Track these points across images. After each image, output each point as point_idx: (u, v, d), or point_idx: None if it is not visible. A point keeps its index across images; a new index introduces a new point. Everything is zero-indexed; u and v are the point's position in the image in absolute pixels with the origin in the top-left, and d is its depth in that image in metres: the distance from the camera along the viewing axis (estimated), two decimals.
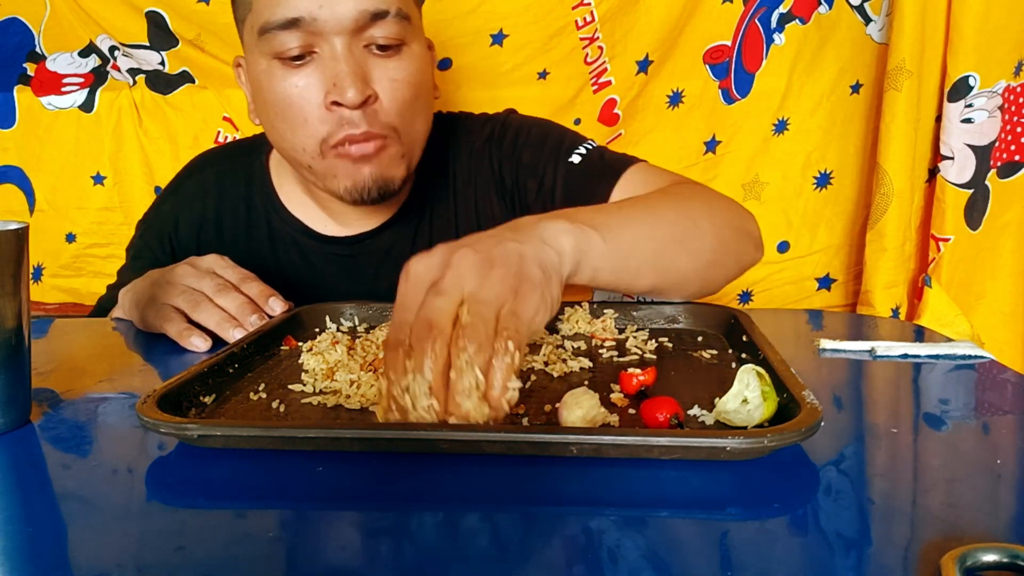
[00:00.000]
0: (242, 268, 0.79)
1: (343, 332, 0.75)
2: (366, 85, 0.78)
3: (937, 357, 0.67)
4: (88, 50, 1.30)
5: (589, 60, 1.25)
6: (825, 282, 1.33)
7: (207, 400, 0.55)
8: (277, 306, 0.76)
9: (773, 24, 1.25)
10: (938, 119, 1.18)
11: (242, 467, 0.47)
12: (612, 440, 0.44)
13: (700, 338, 0.72)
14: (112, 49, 1.28)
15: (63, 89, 1.33)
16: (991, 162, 1.16)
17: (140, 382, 0.66)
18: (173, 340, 0.74)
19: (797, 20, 1.24)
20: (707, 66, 1.27)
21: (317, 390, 0.58)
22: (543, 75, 1.26)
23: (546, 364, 0.63)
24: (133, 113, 1.33)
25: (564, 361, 0.64)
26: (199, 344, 0.73)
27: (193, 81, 1.30)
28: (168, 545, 0.38)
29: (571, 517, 0.41)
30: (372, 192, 0.83)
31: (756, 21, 1.25)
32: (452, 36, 1.23)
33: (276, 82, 0.79)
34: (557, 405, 0.51)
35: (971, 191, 1.17)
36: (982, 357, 0.67)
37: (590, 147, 0.91)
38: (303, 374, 0.61)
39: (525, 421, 0.52)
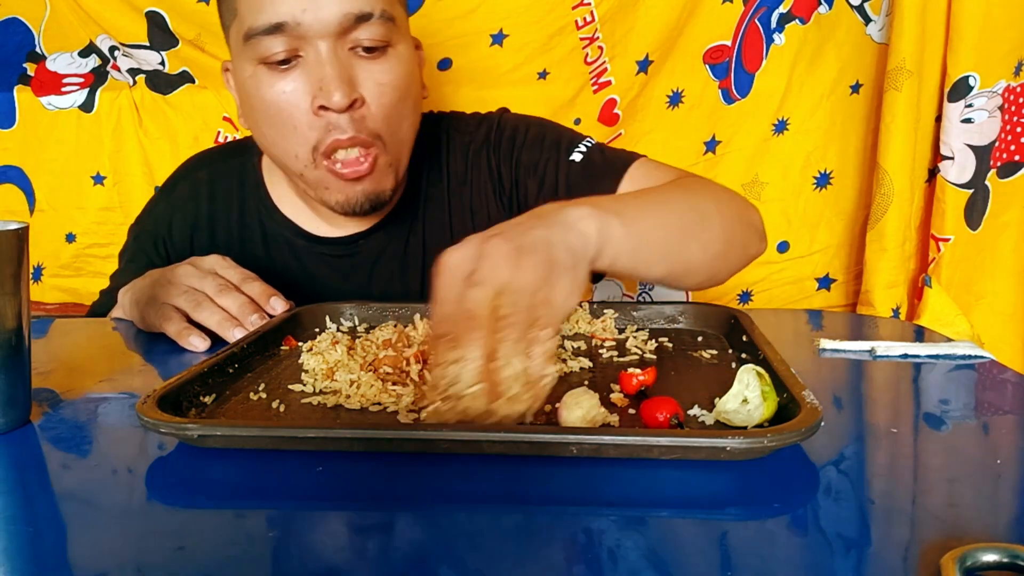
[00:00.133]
0: (243, 268, 0.79)
1: (343, 332, 0.75)
2: (352, 88, 0.78)
3: (937, 357, 0.67)
4: (88, 50, 1.30)
5: (589, 60, 1.25)
6: (825, 282, 1.33)
7: (207, 400, 0.55)
8: (278, 305, 0.76)
9: (773, 24, 1.25)
10: (938, 119, 1.18)
11: (242, 467, 0.47)
12: (612, 440, 0.44)
13: (700, 338, 0.72)
14: (112, 49, 1.28)
15: (63, 89, 1.33)
16: (991, 162, 1.16)
17: (140, 382, 0.66)
18: (173, 340, 0.74)
19: (797, 20, 1.24)
20: (707, 66, 1.27)
21: (317, 390, 0.58)
22: (543, 75, 1.26)
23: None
24: (133, 113, 1.33)
25: (564, 361, 0.64)
26: (198, 344, 0.73)
27: (193, 81, 1.30)
28: (168, 545, 0.38)
29: (571, 517, 0.41)
30: (364, 207, 0.83)
31: (756, 21, 1.25)
32: (452, 36, 1.23)
33: (263, 87, 0.79)
34: (557, 405, 0.51)
35: (971, 191, 1.17)
36: (982, 357, 0.67)
37: (589, 144, 0.91)
38: (303, 374, 0.61)
39: (530, 417, 0.52)
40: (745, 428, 0.48)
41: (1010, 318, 1.22)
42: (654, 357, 0.66)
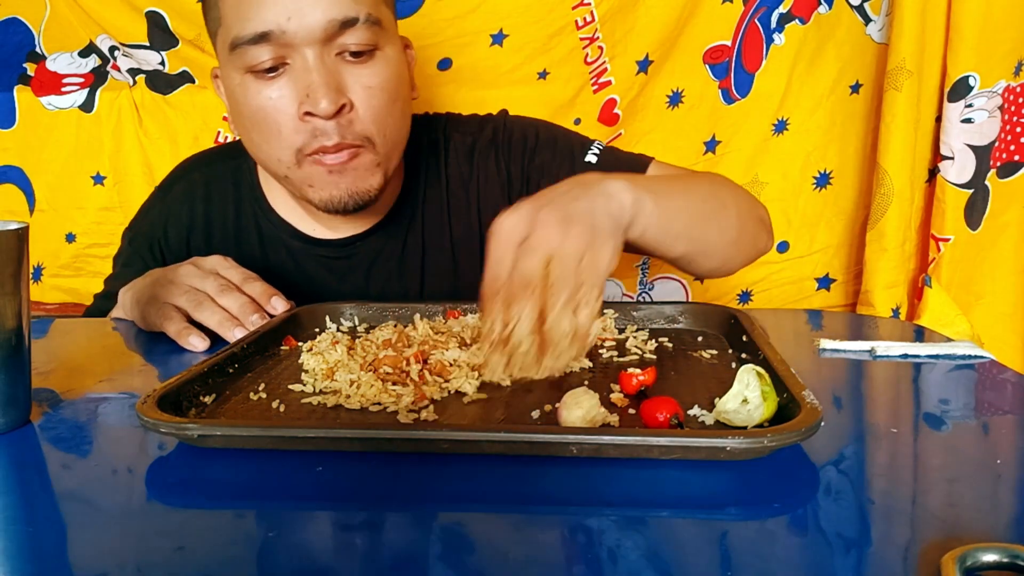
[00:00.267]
0: (245, 268, 0.79)
1: (343, 332, 0.75)
2: (339, 94, 0.77)
3: (937, 357, 0.67)
4: (88, 50, 1.30)
5: (589, 60, 1.25)
6: (825, 282, 1.33)
7: (207, 400, 0.55)
8: (279, 305, 0.76)
9: (773, 24, 1.25)
10: (938, 119, 1.18)
11: (242, 467, 0.47)
12: (612, 440, 0.44)
13: (700, 338, 0.72)
14: (112, 49, 1.28)
15: (63, 89, 1.33)
16: (991, 162, 1.16)
17: (140, 382, 0.66)
18: (173, 340, 0.74)
19: (797, 20, 1.24)
20: (707, 66, 1.27)
21: (317, 390, 0.58)
22: (543, 75, 1.26)
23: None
24: (133, 113, 1.33)
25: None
26: (197, 344, 0.73)
27: (193, 81, 1.30)
28: (168, 545, 0.38)
29: (571, 517, 0.41)
30: (348, 205, 0.83)
31: (756, 21, 1.25)
32: (452, 36, 1.23)
33: (250, 95, 0.79)
34: (557, 405, 0.51)
35: (971, 191, 1.17)
36: (982, 357, 0.67)
37: (601, 147, 0.94)
38: (303, 374, 0.61)
39: (535, 414, 0.52)
40: (745, 428, 0.48)
41: (1010, 318, 1.22)
42: (654, 357, 0.66)
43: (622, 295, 1.37)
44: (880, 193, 1.18)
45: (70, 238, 1.37)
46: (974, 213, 1.18)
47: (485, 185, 0.95)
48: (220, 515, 0.43)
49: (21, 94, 1.34)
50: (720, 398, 0.50)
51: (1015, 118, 1.15)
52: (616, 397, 0.55)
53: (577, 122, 1.28)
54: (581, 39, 1.23)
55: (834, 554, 0.36)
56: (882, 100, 1.18)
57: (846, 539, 0.37)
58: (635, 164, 0.92)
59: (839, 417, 0.54)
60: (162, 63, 1.28)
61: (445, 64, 1.25)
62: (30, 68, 1.31)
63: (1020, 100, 1.14)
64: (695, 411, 0.52)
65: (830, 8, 1.23)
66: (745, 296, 1.34)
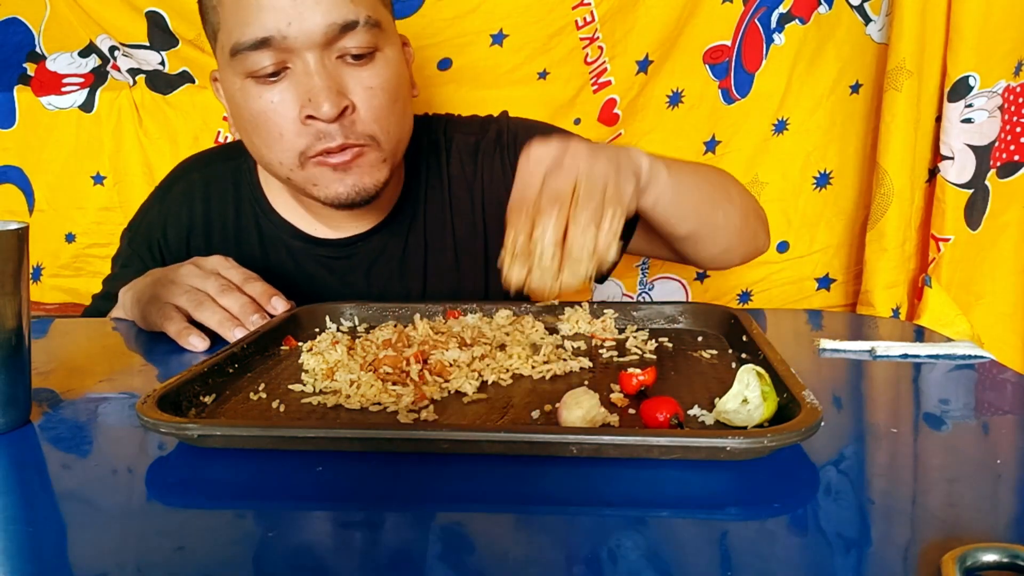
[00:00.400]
0: (245, 269, 0.79)
1: (343, 332, 0.75)
2: (341, 97, 0.77)
3: (937, 357, 0.67)
4: (88, 50, 1.30)
5: (589, 60, 1.25)
6: (825, 282, 1.33)
7: (207, 400, 0.55)
8: (280, 305, 0.76)
9: (773, 24, 1.25)
10: (938, 119, 1.18)
11: (242, 467, 0.47)
12: (612, 440, 0.44)
13: (700, 338, 0.72)
14: (112, 49, 1.28)
15: (63, 89, 1.33)
16: (991, 162, 1.16)
17: (140, 382, 0.66)
18: (173, 340, 0.74)
19: (797, 20, 1.24)
20: (707, 66, 1.27)
21: (317, 390, 0.58)
22: (543, 75, 1.25)
23: (546, 363, 0.63)
24: (133, 113, 1.33)
25: (564, 361, 0.64)
26: (197, 344, 0.73)
27: (193, 81, 1.30)
28: (168, 545, 0.38)
29: (571, 517, 0.41)
30: (354, 200, 0.83)
31: (756, 21, 1.25)
32: (452, 36, 1.23)
33: (251, 99, 0.79)
34: (557, 405, 0.51)
35: (971, 191, 1.17)
36: (982, 357, 0.67)
37: None
38: (303, 374, 0.61)
39: (535, 414, 0.52)
40: (745, 428, 0.48)
41: (1010, 318, 1.22)
42: (654, 357, 0.66)
43: (622, 295, 1.37)
44: (880, 193, 1.18)
45: (70, 238, 1.37)
46: (974, 213, 1.18)
47: (489, 185, 0.95)
48: (220, 515, 0.43)
49: (21, 94, 1.34)
50: (720, 398, 0.50)
51: (1015, 118, 1.15)
52: (616, 397, 0.55)
53: (577, 122, 1.28)
54: (581, 39, 1.23)
55: (834, 554, 0.36)
56: (882, 100, 1.18)
57: (846, 539, 0.37)
58: None
59: (839, 417, 0.54)
60: (162, 63, 1.28)
61: (445, 64, 1.25)
62: (30, 68, 1.31)
63: (1020, 100, 1.14)
64: (695, 411, 0.52)
65: (830, 8, 1.23)
66: (745, 296, 1.34)
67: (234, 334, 0.72)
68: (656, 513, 0.41)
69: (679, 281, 1.36)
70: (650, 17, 1.23)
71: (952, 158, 1.16)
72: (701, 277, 1.35)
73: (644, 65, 1.25)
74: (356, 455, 0.47)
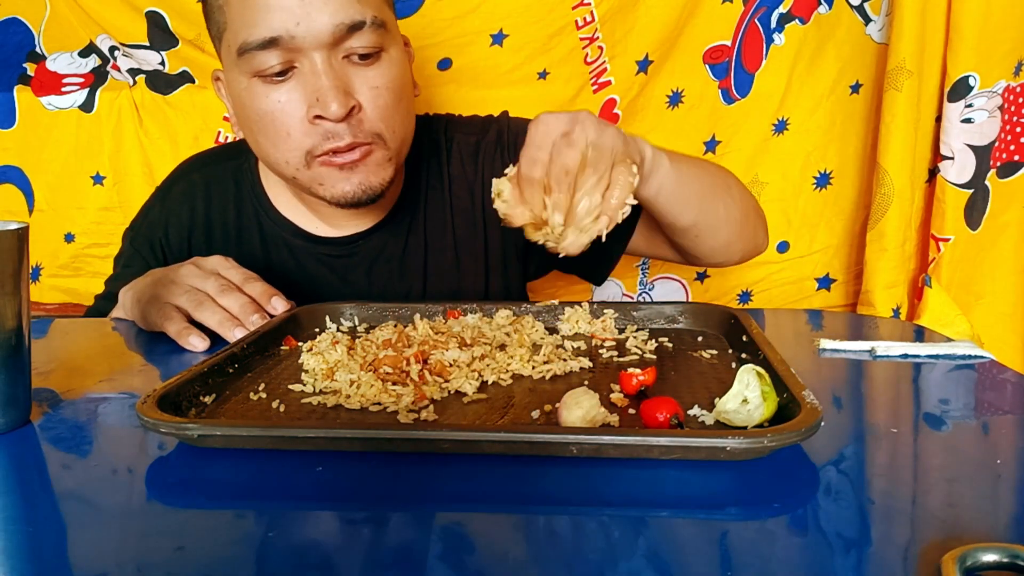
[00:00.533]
0: (246, 269, 0.79)
1: (343, 332, 0.75)
2: (348, 97, 0.78)
3: (937, 357, 0.67)
4: (88, 50, 1.30)
5: (589, 60, 1.25)
6: (825, 282, 1.33)
7: (207, 400, 0.55)
8: (280, 305, 0.76)
9: (773, 24, 1.24)
10: (938, 119, 1.18)
11: (242, 467, 0.47)
12: (612, 440, 0.44)
13: (700, 338, 0.72)
14: (112, 49, 1.28)
15: (63, 89, 1.33)
16: (991, 162, 1.16)
17: (140, 382, 0.66)
18: (173, 340, 0.74)
19: (797, 20, 1.24)
20: (707, 66, 1.27)
21: (317, 390, 0.58)
22: (543, 75, 1.25)
23: (546, 363, 0.63)
24: (133, 113, 1.33)
25: (564, 361, 0.64)
26: (197, 344, 0.73)
27: (193, 81, 1.30)
28: (168, 545, 0.38)
29: (571, 517, 0.41)
30: (360, 199, 0.83)
31: (756, 21, 1.25)
32: (452, 36, 1.23)
33: (258, 99, 0.79)
34: (557, 405, 0.51)
35: (971, 191, 1.17)
36: (982, 357, 0.67)
37: None
38: (303, 374, 0.61)
39: (535, 414, 0.52)
40: (745, 428, 0.48)
41: (1010, 318, 1.22)
42: (654, 357, 0.66)
43: (622, 295, 1.37)
44: (880, 193, 1.18)
45: (69, 238, 1.37)
46: (974, 213, 1.18)
47: (490, 185, 0.95)
48: (220, 515, 0.43)
49: (21, 94, 1.34)
50: (720, 398, 0.50)
51: (1015, 118, 1.15)
52: (616, 397, 0.55)
53: None
54: (581, 39, 1.23)
55: (834, 554, 0.36)
56: (882, 100, 1.17)
57: (846, 539, 0.37)
58: None
59: (839, 417, 0.54)
60: (162, 63, 1.28)
61: (445, 64, 1.25)
62: (30, 68, 1.31)
63: (1020, 100, 1.14)
64: (695, 411, 0.52)
65: (830, 8, 1.23)
66: (745, 296, 1.34)
67: (234, 334, 0.72)
68: (656, 513, 0.41)
69: (679, 281, 1.36)
70: (650, 17, 1.23)
71: (952, 158, 1.16)
72: (701, 277, 1.35)
73: (644, 65, 1.25)
74: (356, 455, 0.47)
